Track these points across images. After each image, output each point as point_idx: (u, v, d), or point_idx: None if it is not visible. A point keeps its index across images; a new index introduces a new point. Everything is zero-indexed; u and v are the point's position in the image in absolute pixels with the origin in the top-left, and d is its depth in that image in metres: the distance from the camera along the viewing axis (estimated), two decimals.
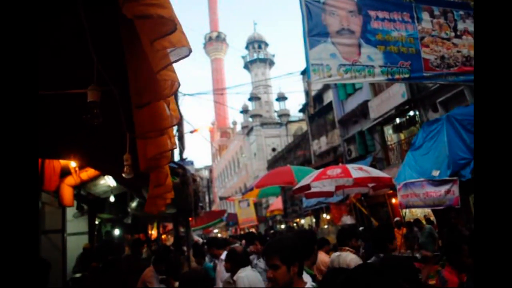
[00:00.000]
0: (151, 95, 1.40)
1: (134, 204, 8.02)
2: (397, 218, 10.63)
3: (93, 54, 1.57)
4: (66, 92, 1.68)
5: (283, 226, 22.35)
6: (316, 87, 20.08)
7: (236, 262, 3.85)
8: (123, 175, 1.83)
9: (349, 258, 4.06)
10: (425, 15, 6.21)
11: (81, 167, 4.67)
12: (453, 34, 6.27)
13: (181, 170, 4.94)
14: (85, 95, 1.59)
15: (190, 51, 1.40)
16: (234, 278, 3.67)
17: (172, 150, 1.81)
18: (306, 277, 2.22)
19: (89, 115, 1.55)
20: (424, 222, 10.49)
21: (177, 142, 9.25)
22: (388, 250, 3.70)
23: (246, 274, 3.67)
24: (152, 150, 1.69)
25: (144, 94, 1.39)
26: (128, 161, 1.81)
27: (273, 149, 35.03)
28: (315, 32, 5.62)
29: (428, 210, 10.41)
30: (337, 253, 4.34)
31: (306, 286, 2.11)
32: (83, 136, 2.35)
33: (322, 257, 4.80)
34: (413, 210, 11.24)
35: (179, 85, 1.44)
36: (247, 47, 57.40)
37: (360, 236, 8.36)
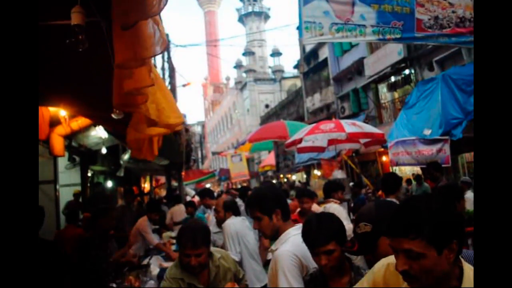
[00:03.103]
0: (138, 14, 1.30)
1: (126, 157, 8.02)
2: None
3: None
4: (48, 23, 1.56)
5: (274, 181, 22.75)
6: (310, 43, 19.65)
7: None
8: (113, 115, 1.76)
9: (333, 208, 4.21)
10: None
11: (71, 116, 4.58)
12: None
13: None
14: (71, 32, 1.48)
15: None
16: (222, 225, 3.81)
17: (151, 86, 1.69)
18: None
19: (73, 39, 1.45)
20: (413, 180, 10.77)
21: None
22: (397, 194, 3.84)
23: (233, 221, 3.80)
24: (129, 84, 1.58)
25: (131, 13, 1.29)
26: None
27: (267, 106, 34.87)
28: None
29: (416, 168, 10.61)
30: (323, 206, 4.49)
31: (294, 228, 2.17)
32: (70, 79, 2.26)
33: (314, 206, 5.05)
34: (402, 168, 11.45)
35: (166, 1, 1.35)
36: None
37: (350, 191, 8.58)
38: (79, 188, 8.22)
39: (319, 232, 1.84)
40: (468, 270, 1.28)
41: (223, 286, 2.42)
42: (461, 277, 1.26)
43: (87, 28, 1.51)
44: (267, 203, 2.19)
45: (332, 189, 4.56)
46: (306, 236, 1.90)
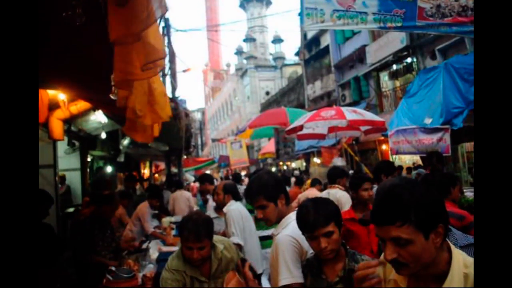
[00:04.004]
0: None
1: (126, 142, 8.03)
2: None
3: None
4: None
5: (273, 169, 22.78)
6: (312, 30, 19.47)
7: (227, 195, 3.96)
8: (111, 96, 1.72)
9: (339, 194, 4.18)
10: None
11: (70, 100, 4.55)
12: None
13: (172, 103, 4.82)
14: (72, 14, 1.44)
15: None
16: (224, 210, 3.76)
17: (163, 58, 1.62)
18: None
19: (71, 12, 1.41)
20: (412, 169, 10.81)
21: (169, 79, 9.06)
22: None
23: (237, 206, 3.76)
24: (119, 63, 1.54)
25: None
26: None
27: (267, 93, 34.73)
28: None
29: (416, 157, 10.62)
30: (326, 191, 4.46)
31: (295, 212, 2.12)
32: (69, 61, 2.22)
33: (314, 192, 5.07)
34: (402, 156, 11.45)
35: None
36: None
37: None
38: (78, 172, 8.23)
39: (317, 214, 1.81)
40: (458, 254, 1.29)
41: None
42: (451, 261, 1.27)
43: (86, 7, 1.47)
44: (271, 189, 2.15)
45: (337, 175, 4.51)
46: (304, 220, 1.85)
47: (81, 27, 1.50)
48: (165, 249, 4.24)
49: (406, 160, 12.39)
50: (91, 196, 5.77)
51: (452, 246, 1.32)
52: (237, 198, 3.93)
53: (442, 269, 1.27)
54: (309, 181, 7.49)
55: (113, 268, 3.23)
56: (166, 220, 5.70)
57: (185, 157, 14.99)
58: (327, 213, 1.83)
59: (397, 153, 8.11)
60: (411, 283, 1.36)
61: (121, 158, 9.63)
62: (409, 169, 11.04)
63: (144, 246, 4.28)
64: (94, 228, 3.71)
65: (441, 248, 1.27)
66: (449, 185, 2.93)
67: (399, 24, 5.75)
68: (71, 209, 7.54)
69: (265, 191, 2.13)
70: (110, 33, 1.46)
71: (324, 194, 4.40)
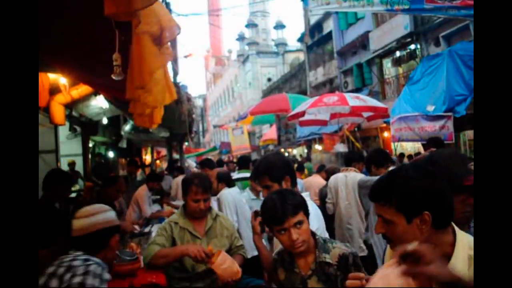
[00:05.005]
0: None
1: (127, 127, 8.01)
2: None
3: None
4: None
5: None
6: (317, 13, 19.24)
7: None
8: (113, 76, 1.69)
9: (359, 177, 4.18)
10: None
11: (71, 84, 4.53)
12: None
13: (175, 88, 4.80)
14: None
15: None
16: (218, 196, 3.87)
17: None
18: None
19: None
20: (414, 156, 10.77)
21: (171, 64, 8.99)
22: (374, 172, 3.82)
23: (229, 191, 3.87)
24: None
25: None
26: (117, 61, 1.67)
27: (269, 79, 34.50)
28: None
29: (418, 145, 10.59)
30: (342, 173, 4.44)
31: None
32: (69, 42, 2.19)
33: (318, 179, 5.11)
34: (404, 144, 11.43)
35: None
36: None
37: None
38: (80, 158, 8.24)
39: (285, 204, 1.73)
40: (462, 236, 1.31)
41: (217, 243, 2.51)
42: (455, 243, 1.29)
43: None
44: (276, 170, 2.18)
45: (354, 159, 4.50)
46: (271, 212, 1.75)
47: (82, 6, 1.47)
48: None
49: (408, 147, 12.37)
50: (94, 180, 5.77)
51: (457, 229, 1.34)
52: (230, 185, 4.03)
53: (446, 251, 1.28)
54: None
55: (116, 251, 3.26)
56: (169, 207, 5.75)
57: (186, 144, 15.01)
58: (295, 203, 1.75)
59: (399, 140, 8.10)
60: None
61: (123, 144, 9.64)
62: (410, 157, 11.03)
63: (147, 229, 4.31)
64: None
65: (443, 231, 1.29)
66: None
67: (406, 7, 5.66)
68: (73, 194, 7.57)
69: (270, 172, 2.18)
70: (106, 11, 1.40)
71: (340, 176, 4.36)
